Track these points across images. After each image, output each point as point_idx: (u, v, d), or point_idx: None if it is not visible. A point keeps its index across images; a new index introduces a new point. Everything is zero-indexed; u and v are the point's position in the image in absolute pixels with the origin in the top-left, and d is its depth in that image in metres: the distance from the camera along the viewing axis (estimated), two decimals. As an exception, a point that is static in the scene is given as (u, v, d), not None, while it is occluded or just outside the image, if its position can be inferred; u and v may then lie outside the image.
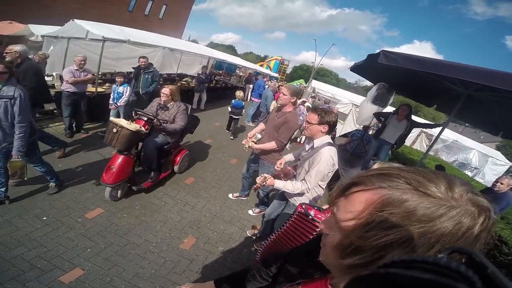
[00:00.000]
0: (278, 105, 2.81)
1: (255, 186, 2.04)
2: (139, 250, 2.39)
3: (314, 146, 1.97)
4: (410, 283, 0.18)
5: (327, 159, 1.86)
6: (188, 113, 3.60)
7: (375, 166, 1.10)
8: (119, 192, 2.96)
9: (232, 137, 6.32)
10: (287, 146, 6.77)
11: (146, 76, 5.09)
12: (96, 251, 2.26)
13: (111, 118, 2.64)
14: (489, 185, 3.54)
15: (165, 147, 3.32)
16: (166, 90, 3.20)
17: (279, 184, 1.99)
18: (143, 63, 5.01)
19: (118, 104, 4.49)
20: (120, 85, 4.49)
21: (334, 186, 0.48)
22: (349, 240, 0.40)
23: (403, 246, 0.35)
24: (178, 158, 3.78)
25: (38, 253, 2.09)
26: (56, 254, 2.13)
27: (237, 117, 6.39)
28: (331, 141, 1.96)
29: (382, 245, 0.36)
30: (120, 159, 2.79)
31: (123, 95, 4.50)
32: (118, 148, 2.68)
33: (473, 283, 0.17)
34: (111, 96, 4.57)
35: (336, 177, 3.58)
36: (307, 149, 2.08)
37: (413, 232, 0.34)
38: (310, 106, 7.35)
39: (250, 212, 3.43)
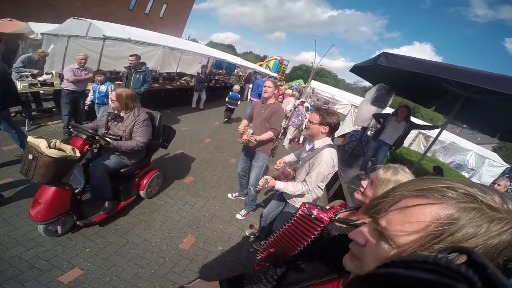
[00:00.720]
0: (264, 97, 2.91)
1: (257, 188, 2.05)
2: (139, 249, 2.39)
3: (315, 147, 1.97)
4: (410, 283, 0.18)
5: (327, 160, 1.86)
6: (158, 123, 2.90)
7: (380, 172, 1.11)
8: (60, 228, 2.27)
9: (225, 122, 7.49)
10: (286, 147, 6.83)
11: (137, 76, 4.68)
12: (95, 250, 2.25)
13: (28, 139, 1.97)
14: (486, 186, 3.57)
15: (121, 171, 2.59)
16: (113, 94, 2.50)
17: (280, 185, 1.99)
18: (131, 62, 4.61)
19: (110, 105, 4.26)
20: (101, 84, 4.14)
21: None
22: (408, 252, 0.38)
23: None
24: (144, 181, 2.93)
25: (36, 252, 2.07)
26: (55, 253, 2.11)
27: (232, 107, 7.46)
28: (332, 142, 1.96)
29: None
30: (50, 191, 2.09)
31: (109, 95, 4.12)
32: (37, 180, 1.98)
33: (473, 283, 0.17)
34: (90, 96, 4.25)
35: (334, 177, 3.60)
36: (307, 149, 2.08)
37: (482, 246, 0.35)
38: (309, 107, 7.38)
39: (238, 216, 3.28)
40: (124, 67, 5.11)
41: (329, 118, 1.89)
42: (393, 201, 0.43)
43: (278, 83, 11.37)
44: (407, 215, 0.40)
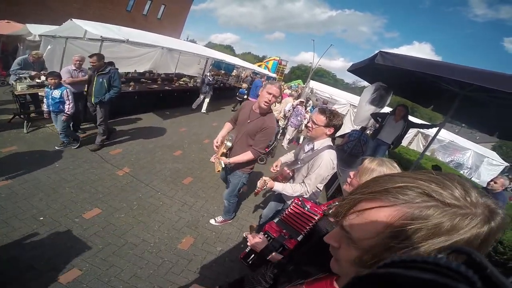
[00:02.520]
0: (260, 106, 2.22)
1: (257, 189, 1.99)
2: (137, 250, 2.38)
3: (315, 148, 1.93)
4: (410, 283, 0.18)
5: (327, 162, 1.83)
6: None
7: (366, 161, 1.12)
8: None
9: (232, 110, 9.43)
10: (285, 147, 6.82)
11: (100, 79, 3.75)
12: (93, 251, 2.25)
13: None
14: (484, 185, 3.57)
15: None
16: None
17: (278, 187, 1.95)
18: (93, 63, 3.72)
19: (67, 112, 3.57)
20: (54, 88, 3.48)
21: (336, 200, 0.48)
22: (371, 254, 0.39)
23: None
24: None
25: (35, 253, 2.08)
26: (54, 254, 2.11)
27: (240, 99, 9.45)
28: (331, 143, 1.93)
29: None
30: None
31: (64, 101, 3.54)
32: None
33: (473, 283, 0.17)
34: (45, 102, 3.59)
35: (333, 177, 3.60)
36: (306, 150, 2.04)
37: (441, 244, 0.34)
38: (310, 105, 7.40)
39: (212, 221, 3.05)
40: (89, 68, 4.40)
41: (335, 120, 1.83)
42: (350, 205, 0.43)
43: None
44: (364, 219, 0.40)
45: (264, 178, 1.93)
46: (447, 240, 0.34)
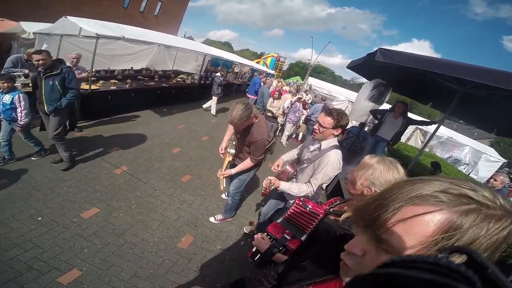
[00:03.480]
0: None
1: (263, 190, 1.98)
2: (137, 249, 2.38)
3: (321, 148, 1.90)
4: (411, 283, 0.18)
5: (334, 162, 1.81)
6: None
7: (366, 157, 1.11)
8: None
9: None
10: (284, 143, 6.83)
11: (50, 82, 2.99)
12: (93, 251, 2.24)
13: None
14: (483, 181, 3.59)
15: None
16: None
17: (284, 186, 1.93)
18: (38, 61, 2.89)
19: (19, 122, 3.03)
20: (5, 93, 2.97)
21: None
22: None
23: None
24: None
25: (34, 254, 2.07)
26: (53, 255, 2.11)
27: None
28: (337, 143, 1.90)
29: None
30: None
31: (16, 108, 2.99)
32: None
33: (473, 283, 0.17)
34: None
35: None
36: (311, 149, 2.00)
37: (484, 246, 0.35)
38: (306, 101, 7.38)
39: (212, 219, 3.06)
40: (30, 69, 3.76)
41: (343, 120, 1.78)
42: (392, 213, 0.41)
43: (275, 80, 11.38)
44: (408, 226, 0.38)
45: (269, 177, 1.90)
46: (484, 242, 0.35)
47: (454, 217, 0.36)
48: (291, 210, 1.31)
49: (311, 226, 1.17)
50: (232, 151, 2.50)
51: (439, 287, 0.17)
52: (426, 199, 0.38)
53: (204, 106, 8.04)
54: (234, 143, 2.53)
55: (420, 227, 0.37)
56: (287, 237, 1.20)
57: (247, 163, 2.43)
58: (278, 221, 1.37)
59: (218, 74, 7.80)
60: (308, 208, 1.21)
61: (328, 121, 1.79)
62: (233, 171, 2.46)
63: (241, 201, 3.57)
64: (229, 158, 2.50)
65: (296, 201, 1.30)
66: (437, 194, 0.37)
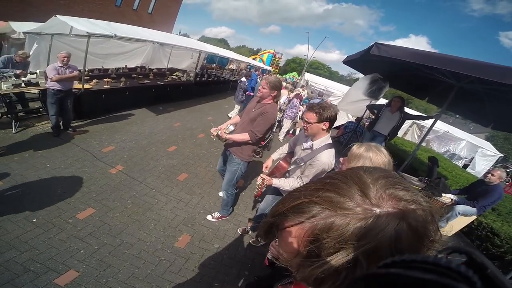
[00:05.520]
0: (258, 97, 2.46)
1: (255, 193, 1.99)
2: (133, 250, 2.36)
3: (314, 148, 1.87)
4: (411, 283, 0.18)
5: (325, 165, 1.79)
6: None
7: (354, 147, 1.14)
8: None
9: None
10: (281, 139, 6.82)
11: None
12: (89, 252, 2.22)
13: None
14: (480, 175, 3.60)
15: None
16: None
17: (277, 183, 1.95)
18: None
19: None
20: None
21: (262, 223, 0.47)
22: (302, 274, 0.39)
23: (355, 268, 0.33)
24: None
25: (30, 256, 2.05)
26: (49, 256, 2.09)
27: None
28: (331, 141, 1.87)
29: (332, 272, 0.34)
30: None
31: None
32: None
33: (473, 283, 0.17)
34: None
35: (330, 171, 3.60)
36: (304, 147, 1.97)
37: (353, 255, 0.33)
38: (303, 97, 7.39)
39: (209, 217, 3.03)
40: None
41: (326, 112, 1.74)
42: (268, 228, 0.44)
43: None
44: (282, 239, 0.41)
45: (262, 175, 1.91)
46: (358, 247, 0.32)
47: (311, 227, 0.36)
48: None
49: None
50: (231, 127, 2.56)
51: (440, 287, 0.17)
52: (289, 213, 0.39)
53: (229, 115, 7.51)
54: (233, 127, 2.61)
55: (287, 240, 0.39)
56: None
57: (243, 135, 2.40)
58: None
59: (244, 79, 7.02)
60: None
61: (310, 116, 1.78)
62: (228, 136, 2.44)
63: (239, 199, 3.57)
64: (226, 131, 2.51)
65: None
66: (296, 207, 0.39)
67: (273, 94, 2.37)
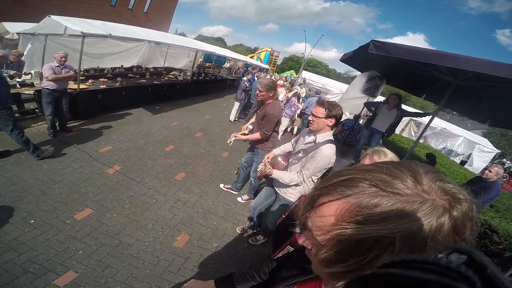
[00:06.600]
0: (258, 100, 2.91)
1: (258, 174, 2.10)
2: (132, 250, 2.35)
3: (317, 141, 1.95)
4: (410, 283, 0.18)
5: (327, 157, 1.86)
6: None
7: (368, 151, 1.14)
8: None
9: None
10: (278, 137, 6.81)
11: None
12: (88, 252, 2.21)
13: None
14: (478, 171, 3.60)
15: None
16: None
17: (277, 174, 2.03)
18: None
19: None
20: None
21: (305, 199, 0.46)
22: (329, 251, 0.38)
23: (386, 249, 0.33)
24: None
25: (29, 257, 2.04)
26: (48, 257, 2.08)
27: None
28: (332, 137, 1.95)
29: (364, 250, 0.34)
30: None
31: None
32: None
33: (473, 283, 0.17)
34: None
35: (328, 169, 3.61)
36: (307, 141, 2.04)
37: (392, 233, 0.33)
38: (301, 95, 7.40)
39: (239, 199, 3.51)
40: None
41: (334, 110, 1.85)
42: (311, 202, 0.43)
43: (269, 75, 11.30)
44: (319, 215, 0.40)
45: (265, 160, 2.10)
46: (398, 227, 0.33)
47: (355, 203, 0.36)
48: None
49: None
50: (250, 126, 3.06)
51: (440, 287, 0.17)
52: (334, 188, 0.39)
53: (231, 118, 7.40)
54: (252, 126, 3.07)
55: (324, 215, 0.39)
56: None
57: (256, 135, 2.91)
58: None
59: (245, 78, 7.25)
60: None
61: (320, 110, 1.86)
62: (243, 137, 2.93)
63: (236, 198, 3.57)
64: (246, 131, 3.00)
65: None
66: (343, 183, 0.39)
67: (271, 95, 2.77)
